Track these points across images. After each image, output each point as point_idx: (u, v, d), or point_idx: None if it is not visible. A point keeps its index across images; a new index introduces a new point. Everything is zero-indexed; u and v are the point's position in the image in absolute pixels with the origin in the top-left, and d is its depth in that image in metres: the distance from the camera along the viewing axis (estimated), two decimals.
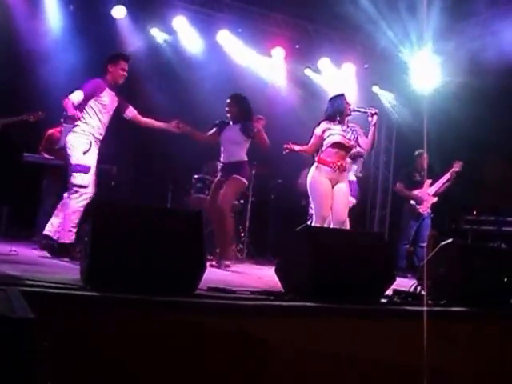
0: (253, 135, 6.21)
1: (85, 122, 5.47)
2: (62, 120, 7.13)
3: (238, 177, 6.17)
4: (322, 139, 5.53)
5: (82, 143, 5.42)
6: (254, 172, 8.11)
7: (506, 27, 7.81)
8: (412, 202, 8.25)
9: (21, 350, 1.64)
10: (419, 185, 8.29)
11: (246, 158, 6.32)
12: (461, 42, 8.06)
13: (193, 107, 7.93)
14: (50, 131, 7.24)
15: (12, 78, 7.18)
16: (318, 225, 5.26)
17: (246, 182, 6.29)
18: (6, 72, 7.02)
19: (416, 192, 8.25)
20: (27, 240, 6.54)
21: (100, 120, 5.57)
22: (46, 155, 7.07)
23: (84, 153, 5.39)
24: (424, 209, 8.17)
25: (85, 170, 5.35)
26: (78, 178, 5.33)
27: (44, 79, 7.51)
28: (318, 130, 5.55)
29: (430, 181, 8.24)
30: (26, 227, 7.03)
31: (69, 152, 5.42)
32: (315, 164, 5.50)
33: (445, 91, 8.48)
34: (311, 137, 5.62)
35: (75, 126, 5.46)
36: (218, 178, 6.35)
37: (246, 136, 6.25)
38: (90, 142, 5.46)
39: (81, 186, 5.33)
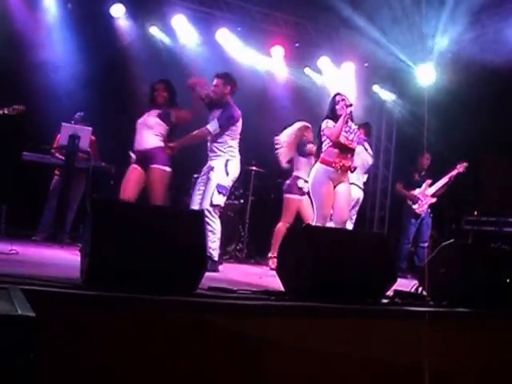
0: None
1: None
2: (72, 122, 7.14)
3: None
4: None
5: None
6: (253, 171, 8.12)
7: (506, 26, 7.81)
8: (409, 202, 8.25)
9: (22, 348, 1.63)
10: (418, 185, 8.28)
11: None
12: (461, 41, 8.06)
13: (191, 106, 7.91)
14: None
15: (10, 78, 7.16)
16: (319, 224, 5.27)
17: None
18: (5, 72, 7.00)
19: (414, 192, 8.23)
20: (27, 239, 6.53)
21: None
22: (58, 155, 7.06)
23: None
24: (421, 209, 8.16)
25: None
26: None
27: (42, 79, 7.51)
28: (329, 125, 5.52)
29: (429, 181, 8.23)
30: (25, 226, 7.01)
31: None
32: (317, 164, 5.49)
33: (445, 91, 8.47)
34: (320, 134, 5.58)
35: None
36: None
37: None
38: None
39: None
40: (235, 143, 5.72)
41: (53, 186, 7.22)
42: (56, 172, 7.23)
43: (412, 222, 8.21)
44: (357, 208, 7.43)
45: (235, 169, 5.69)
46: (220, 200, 5.52)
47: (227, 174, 5.59)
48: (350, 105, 5.54)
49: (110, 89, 7.91)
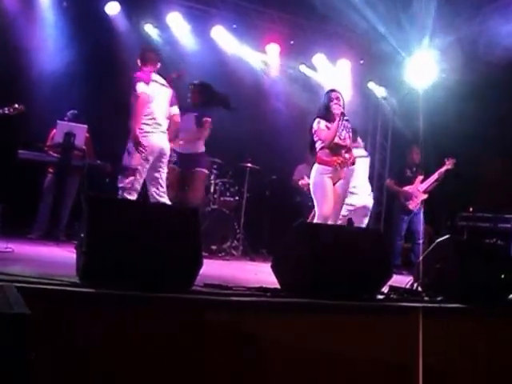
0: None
1: None
2: (65, 118, 7.11)
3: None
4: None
5: None
6: (248, 168, 8.11)
7: (503, 23, 7.81)
8: (402, 198, 8.27)
9: (17, 346, 1.63)
10: (410, 181, 8.31)
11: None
12: (457, 38, 8.06)
13: (187, 104, 7.90)
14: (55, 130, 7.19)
15: (6, 76, 7.13)
16: None
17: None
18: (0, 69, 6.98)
19: (406, 188, 8.26)
20: (22, 237, 6.51)
21: None
22: (52, 153, 7.03)
23: None
24: (413, 205, 8.19)
25: None
26: None
27: (35, 77, 7.48)
28: (321, 125, 5.51)
29: (421, 177, 8.28)
30: (21, 224, 6.99)
31: None
32: (316, 165, 5.50)
33: (441, 88, 8.48)
34: (312, 134, 5.58)
35: None
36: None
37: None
38: None
39: None
40: (146, 119, 5.50)
41: (47, 184, 7.19)
42: (49, 170, 7.20)
43: (403, 219, 8.24)
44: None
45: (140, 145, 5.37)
46: (123, 181, 5.36)
47: (128, 153, 5.39)
48: (342, 112, 5.51)
49: (104, 87, 7.89)
